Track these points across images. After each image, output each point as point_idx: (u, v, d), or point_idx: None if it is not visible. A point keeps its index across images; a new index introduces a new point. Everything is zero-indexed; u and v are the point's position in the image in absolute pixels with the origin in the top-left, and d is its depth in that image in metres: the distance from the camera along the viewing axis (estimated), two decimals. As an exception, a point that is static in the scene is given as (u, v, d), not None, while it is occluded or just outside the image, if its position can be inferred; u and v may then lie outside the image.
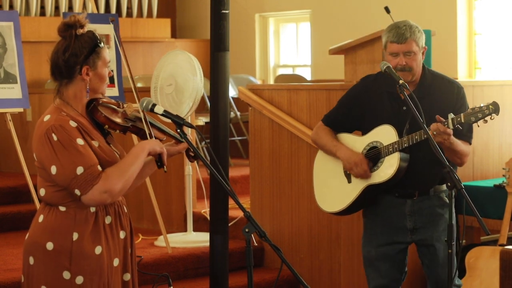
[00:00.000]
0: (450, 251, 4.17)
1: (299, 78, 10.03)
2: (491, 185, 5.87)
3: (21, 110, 6.26)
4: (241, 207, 3.37)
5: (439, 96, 4.54)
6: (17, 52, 6.16)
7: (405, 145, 4.42)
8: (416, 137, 4.38)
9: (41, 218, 3.42)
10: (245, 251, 3.34)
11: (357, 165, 4.52)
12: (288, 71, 11.02)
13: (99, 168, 3.32)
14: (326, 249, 6.12)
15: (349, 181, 4.62)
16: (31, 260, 3.41)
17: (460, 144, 4.44)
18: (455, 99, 4.56)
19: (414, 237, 4.59)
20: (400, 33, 4.47)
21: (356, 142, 4.61)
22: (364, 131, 4.63)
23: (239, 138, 9.50)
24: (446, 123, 4.30)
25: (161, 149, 3.47)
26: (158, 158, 3.48)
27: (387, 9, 6.91)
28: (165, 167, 3.50)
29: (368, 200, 4.61)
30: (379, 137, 4.52)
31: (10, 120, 6.06)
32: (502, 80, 7.24)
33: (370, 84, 4.62)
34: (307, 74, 10.61)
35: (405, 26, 4.50)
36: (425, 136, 4.32)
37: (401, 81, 4.34)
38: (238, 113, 9.29)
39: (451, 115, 4.31)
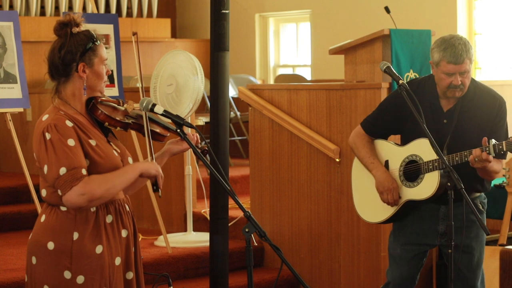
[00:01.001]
0: (450, 251, 4.17)
1: (299, 78, 10.03)
2: (491, 185, 5.86)
3: (21, 110, 6.26)
4: (241, 207, 3.37)
5: (481, 111, 4.47)
6: (17, 52, 6.16)
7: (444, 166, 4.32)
8: (457, 159, 4.31)
9: (43, 218, 3.43)
10: (245, 251, 3.34)
11: (388, 192, 4.49)
12: (288, 71, 11.02)
13: (84, 171, 3.31)
14: (326, 249, 6.12)
15: None
16: (34, 260, 3.42)
17: (494, 165, 4.37)
18: (495, 115, 4.50)
19: (443, 241, 4.54)
20: (458, 54, 4.36)
21: (394, 153, 4.56)
22: (403, 138, 4.59)
23: (239, 138, 9.50)
24: (487, 149, 4.24)
25: (156, 172, 3.46)
26: (154, 181, 3.48)
27: (387, 9, 6.91)
28: (160, 191, 3.49)
29: (407, 211, 4.58)
30: (418, 151, 4.46)
31: (10, 120, 6.05)
32: (502, 80, 7.25)
33: (414, 92, 4.44)
34: (307, 74, 10.61)
35: (460, 45, 4.38)
36: (466, 159, 4.29)
37: (401, 81, 4.32)
38: (238, 113, 9.29)
39: (492, 141, 4.24)
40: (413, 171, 4.49)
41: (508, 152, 6.36)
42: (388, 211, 4.58)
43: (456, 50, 4.37)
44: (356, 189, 4.78)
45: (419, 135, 4.44)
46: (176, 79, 6.29)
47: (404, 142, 4.59)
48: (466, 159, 4.31)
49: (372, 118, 4.70)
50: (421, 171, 4.45)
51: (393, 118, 4.59)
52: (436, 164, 4.37)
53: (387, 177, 4.52)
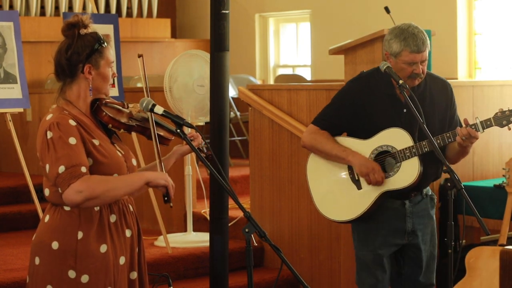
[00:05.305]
0: (450, 251, 4.17)
1: (299, 78, 10.04)
2: (491, 185, 5.87)
3: (21, 110, 6.26)
4: (241, 207, 3.37)
5: (437, 97, 4.48)
6: (17, 52, 6.16)
7: (426, 149, 4.31)
8: (438, 141, 4.28)
9: (47, 218, 3.43)
10: (245, 251, 3.34)
11: (374, 171, 4.36)
12: (288, 71, 11.03)
13: (83, 169, 3.29)
14: (326, 249, 6.12)
15: (359, 188, 4.46)
16: (37, 260, 3.41)
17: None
18: (450, 98, 4.52)
19: (410, 240, 4.52)
20: (420, 42, 4.32)
21: (361, 146, 4.45)
22: (359, 134, 4.47)
23: (239, 138, 9.50)
24: (474, 127, 4.26)
25: (165, 182, 3.42)
26: (165, 192, 3.44)
27: (387, 9, 6.91)
28: (171, 203, 3.43)
29: (379, 206, 4.48)
30: (390, 141, 4.39)
31: (10, 120, 6.06)
32: (502, 80, 7.24)
33: (368, 85, 4.46)
34: (307, 74, 10.61)
35: (420, 33, 4.34)
36: (450, 140, 4.29)
37: (401, 81, 4.29)
38: (238, 113, 9.29)
39: (478, 119, 4.27)
40: (385, 161, 4.42)
41: (508, 152, 6.39)
42: (362, 206, 4.45)
43: (417, 38, 4.33)
44: (317, 190, 4.61)
45: (378, 128, 4.40)
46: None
47: (357, 136, 4.48)
48: (450, 140, 4.30)
49: (326, 116, 4.57)
50: (396, 159, 4.38)
51: (350, 112, 4.47)
52: (414, 150, 4.33)
53: (366, 159, 4.41)
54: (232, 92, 9.35)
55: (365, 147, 4.45)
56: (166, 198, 3.44)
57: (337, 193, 4.55)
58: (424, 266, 4.55)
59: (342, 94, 4.56)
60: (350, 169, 4.50)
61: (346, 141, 4.51)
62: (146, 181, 3.42)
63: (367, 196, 4.45)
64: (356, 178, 4.48)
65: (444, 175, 5.33)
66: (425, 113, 4.37)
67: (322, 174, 4.59)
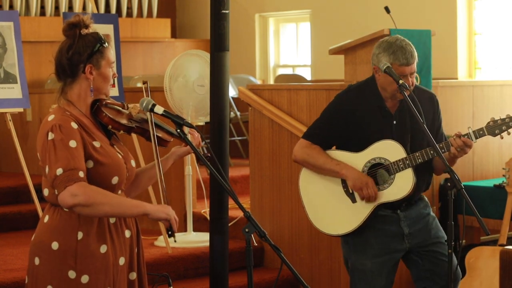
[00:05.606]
0: (450, 251, 4.17)
1: (299, 78, 10.04)
2: (491, 185, 5.87)
3: (21, 110, 6.26)
4: (241, 207, 3.37)
5: (425, 109, 4.43)
6: (17, 52, 6.16)
7: (419, 160, 4.31)
8: (431, 152, 4.27)
9: (46, 218, 3.43)
10: (245, 251, 3.34)
11: (368, 186, 4.34)
12: (288, 71, 11.03)
13: (81, 174, 3.28)
14: (326, 249, 6.12)
15: (354, 201, 4.44)
16: (37, 261, 3.41)
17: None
18: (436, 109, 4.52)
19: (411, 241, 4.49)
20: (408, 55, 4.30)
21: (354, 159, 4.43)
22: (350, 147, 4.45)
23: (239, 138, 9.50)
24: (467, 136, 4.25)
25: (166, 216, 3.39)
26: (169, 226, 3.41)
27: (387, 9, 6.90)
28: (174, 237, 3.40)
29: (373, 218, 4.46)
30: (383, 153, 4.37)
31: (10, 120, 6.06)
32: (502, 80, 7.24)
33: (358, 97, 4.45)
34: (307, 74, 10.62)
35: (408, 46, 4.32)
36: (443, 150, 4.27)
37: (401, 81, 4.28)
38: (238, 113, 9.29)
39: (470, 129, 4.27)
40: (377, 174, 4.41)
41: (508, 152, 6.39)
42: (358, 219, 4.43)
43: (406, 51, 4.32)
44: (310, 204, 4.58)
45: (369, 140, 4.38)
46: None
47: (348, 149, 4.47)
48: (443, 150, 4.30)
49: (317, 129, 4.55)
50: (389, 172, 4.37)
51: (341, 124, 4.45)
52: (408, 162, 4.32)
53: (360, 173, 4.39)
54: (232, 92, 9.35)
55: (358, 160, 4.44)
56: (170, 233, 3.41)
57: (331, 207, 4.53)
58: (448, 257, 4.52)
59: (333, 107, 4.55)
60: (344, 182, 4.49)
61: (338, 154, 4.49)
62: (145, 213, 3.39)
63: (362, 209, 4.44)
64: (351, 191, 4.47)
65: (444, 175, 5.37)
66: (415, 125, 4.36)
67: (316, 188, 4.57)
